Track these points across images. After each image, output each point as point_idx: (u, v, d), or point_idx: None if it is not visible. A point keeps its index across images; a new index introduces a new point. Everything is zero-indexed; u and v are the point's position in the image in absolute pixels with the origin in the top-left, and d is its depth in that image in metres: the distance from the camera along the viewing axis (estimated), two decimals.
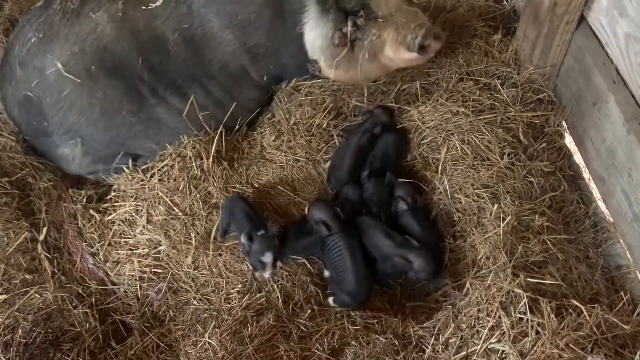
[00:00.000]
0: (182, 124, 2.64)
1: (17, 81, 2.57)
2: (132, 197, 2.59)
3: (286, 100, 2.81)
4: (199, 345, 2.23)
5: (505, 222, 2.28)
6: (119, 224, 2.54)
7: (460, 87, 2.71)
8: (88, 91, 2.52)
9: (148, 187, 2.59)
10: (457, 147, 2.53)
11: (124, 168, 2.66)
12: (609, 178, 2.40)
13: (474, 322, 2.13)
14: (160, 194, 2.54)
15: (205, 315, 2.33)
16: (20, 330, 2.21)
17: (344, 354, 2.20)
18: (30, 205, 2.61)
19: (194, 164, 2.59)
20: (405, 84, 2.81)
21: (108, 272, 2.48)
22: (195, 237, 2.45)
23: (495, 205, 2.35)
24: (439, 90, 2.73)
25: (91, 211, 2.59)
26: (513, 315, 2.04)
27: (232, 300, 2.33)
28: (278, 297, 2.32)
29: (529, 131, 2.61)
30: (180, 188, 2.55)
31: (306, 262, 2.43)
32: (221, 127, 2.70)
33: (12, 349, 2.17)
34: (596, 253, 2.45)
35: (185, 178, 2.57)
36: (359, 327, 2.27)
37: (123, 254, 2.48)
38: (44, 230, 2.51)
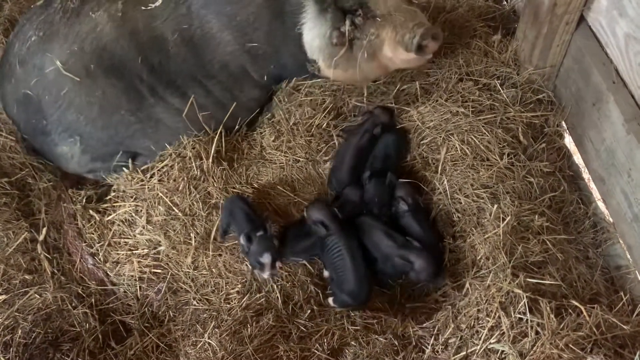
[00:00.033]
0: (182, 124, 2.64)
1: (16, 79, 2.57)
2: (131, 197, 2.60)
3: (286, 100, 2.81)
4: (198, 346, 2.23)
5: (505, 222, 2.28)
6: (118, 225, 2.55)
7: (460, 88, 2.71)
8: (87, 90, 2.52)
9: (148, 188, 2.59)
10: (456, 148, 2.53)
11: (124, 168, 2.66)
12: (608, 178, 2.40)
13: (474, 322, 2.13)
14: (160, 194, 2.54)
15: (204, 315, 2.33)
16: (19, 331, 2.21)
17: (344, 354, 2.21)
18: (29, 206, 2.61)
19: (193, 164, 2.59)
20: (404, 84, 2.81)
21: (108, 272, 2.48)
22: (195, 237, 2.45)
23: (495, 206, 2.35)
24: (438, 90, 2.73)
25: (91, 211, 2.59)
26: (513, 316, 2.04)
27: (232, 301, 2.33)
28: (278, 297, 2.32)
29: (528, 131, 2.61)
30: (180, 188, 2.55)
31: (306, 263, 2.43)
32: (221, 127, 2.70)
33: (11, 349, 2.17)
34: (596, 253, 2.45)
35: (185, 178, 2.57)
36: (358, 328, 2.27)
37: (123, 255, 2.48)
38: (44, 230, 2.51)
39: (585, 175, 2.64)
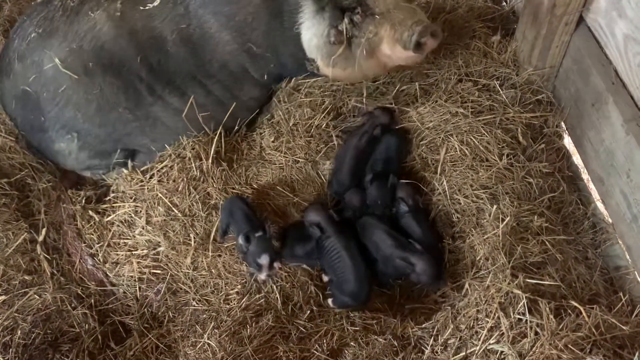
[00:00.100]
0: (181, 123, 2.64)
1: (15, 75, 2.57)
2: (131, 198, 2.60)
3: (286, 101, 2.81)
4: (198, 346, 2.23)
5: (504, 223, 2.29)
6: (118, 225, 2.54)
7: (459, 88, 2.71)
8: (85, 87, 2.52)
9: (147, 188, 2.59)
10: (456, 148, 2.53)
11: (123, 168, 2.66)
12: (607, 179, 2.40)
13: (473, 322, 2.13)
14: (160, 194, 2.54)
15: (204, 316, 2.33)
16: (19, 331, 2.21)
17: (343, 354, 2.21)
18: (29, 206, 2.61)
19: (193, 165, 2.59)
20: (404, 85, 2.81)
21: (107, 273, 2.48)
22: (194, 238, 2.45)
23: (494, 206, 2.35)
24: (438, 91, 2.73)
25: (90, 212, 2.59)
26: (512, 316, 2.04)
27: (231, 301, 2.33)
28: (277, 298, 2.32)
29: (527, 132, 2.61)
30: (180, 189, 2.55)
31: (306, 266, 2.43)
32: (220, 127, 2.70)
33: (11, 350, 2.17)
34: (595, 254, 2.45)
35: (185, 179, 2.57)
36: (358, 328, 2.28)
37: (122, 255, 2.48)
38: (43, 231, 2.51)
39: (585, 175, 2.64)
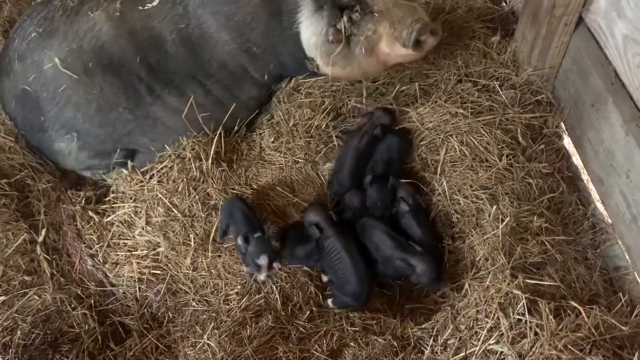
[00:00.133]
0: (180, 123, 2.64)
1: (15, 75, 2.57)
2: (131, 198, 2.60)
3: (285, 101, 2.81)
4: (197, 347, 2.24)
5: (504, 223, 2.29)
6: (117, 226, 2.55)
7: (459, 89, 2.71)
8: (85, 87, 2.52)
9: (147, 189, 2.59)
10: (455, 149, 2.53)
11: (122, 169, 2.66)
12: (607, 179, 2.40)
13: (473, 323, 2.13)
14: (159, 195, 2.54)
15: (204, 316, 2.33)
16: (19, 332, 2.21)
17: (343, 355, 2.21)
18: (29, 207, 2.61)
19: (193, 165, 2.60)
20: (404, 86, 2.81)
21: (107, 273, 2.48)
22: (194, 238, 2.45)
23: (494, 207, 2.35)
24: (437, 91, 2.74)
25: (90, 212, 2.59)
26: (511, 317, 2.04)
27: (231, 302, 2.33)
28: (277, 298, 2.32)
29: (527, 132, 2.61)
30: (179, 189, 2.55)
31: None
32: (220, 128, 2.70)
33: (10, 350, 2.17)
34: (594, 254, 2.46)
35: (184, 179, 2.57)
36: (357, 329, 2.28)
37: (122, 256, 2.48)
38: (43, 231, 2.51)
39: (584, 176, 2.64)
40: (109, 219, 2.57)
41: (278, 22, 2.63)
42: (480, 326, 2.10)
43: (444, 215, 2.50)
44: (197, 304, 2.37)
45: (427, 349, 2.17)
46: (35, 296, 2.32)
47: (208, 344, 2.22)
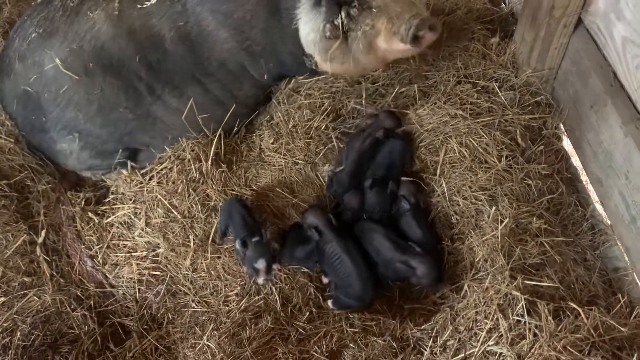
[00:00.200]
0: (181, 122, 2.64)
1: (15, 75, 2.58)
2: (130, 199, 2.60)
3: (285, 102, 2.82)
4: (197, 348, 2.24)
5: (503, 224, 2.29)
6: (117, 227, 2.55)
7: (458, 90, 2.72)
8: (86, 88, 2.53)
9: (147, 190, 2.59)
10: (455, 150, 2.53)
11: (122, 170, 2.66)
12: (606, 180, 2.40)
13: (472, 324, 2.13)
14: (159, 196, 2.55)
15: (203, 317, 2.33)
16: (18, 333, 2.21)
17: (342, 356, 2.21)
18: (28, 208, 2.62)
19: (192, 166, 2.60)
20: (403, 87, 2.82)
21: (106, 274, 2.48)
22: (193, 239, 2.45)
23: (493, 208, 2.35)
24: (437, 93, 2.74)
25: (90, 214, 2.59)
26: (511, 318, 2.04)
27: (231, 303, 2.33)
28: (276, 299, 2.32)
29: (526, 134, 2.61)
30: (179, 191, 2.56)
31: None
32: (220, 129, 2.70)
33: (10, 351, 2.17)
34: (594, 255, 2.46)
35: (184, 181, 2.57)
36: (357, 330, 2.28)
37: (121, 257, 2.49)
38: (43, 232, 2.51)
39: (583, 177, 2.64)
40: (108, 220, 2.57)
41: (277, 19, 2.63)
42: (479, 327, 2.10)
43: (443, 217, 2.50)
44: (196, 305, 2.37)
45: (426, 350, 2.17)
46: (35, 297, 2.32)
47: (208, 345, 2.22)
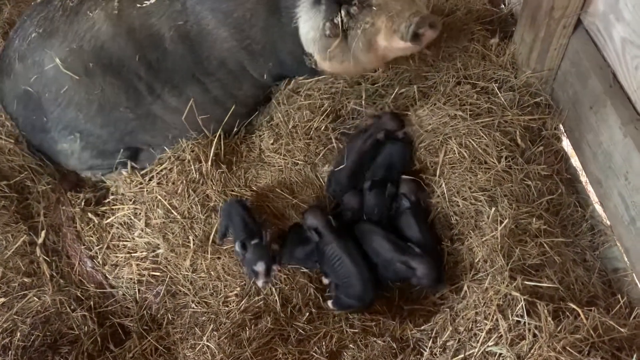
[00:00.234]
0: (181, 121, 2.64)
1: (16, 75, 2.58)
2: (130, 200, 2.60)
3: (285, 103, 2.82)
4: (197, 349, 2.24)
5: (503, 225, 2.29)
6: (117, 227, 2.55)
7: (458, 91, 2.72)
8: (86, 88, 2.53)
9: (146, 191, 2.59)
10: (454, 151, 2.53)
11: (122, 171, 2.66)
12: (605, 181, 2.40)
13: (472, 325, 2.13)
14: (159, 197, 2.55)
15: (203, 318, 2.33)
16: (18, 334, 2.22)
17: (342, 357, 2.21)
18: (28, 209, 2.62)
19: (192, 167, 2.60)
20: (403, 88, 2.82)
21: (106, 275, 2.49)
22: (193, 240, 2.45)
23: (493, 209, 2.35)
24: (436, 93, 2.74)
25: (89, 214, 2.59)
26: (510, 318, 2.05)
27: (231, 304, 2.34)
28: (276, 300, 2.33)
29: (526, 134, 2.61)
30: (179, 191, 2.56)
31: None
32: (220, 130, 2.70)
33: (10, 352, 2.18)
34: (593, 256, 2.46)
35: (184, 181, 2.57)
36: (357, 330, 2.28)
37: (121, 257, 2.49)
38: (43, 233, 2.52)
39: (583, 178, 2.64)
40: (108, 220, 2.57)
41: (277, 18, 2.63)
42: (479, 328, 2.10)
43: (443, 217, 2.50)
44: (196, 305, 2.37)
45: (426, 351, 2.17)
46: (34, 298, 2.32)
47: (207, 346, 2.22)
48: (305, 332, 2.28)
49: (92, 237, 2.54)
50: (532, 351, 1.94)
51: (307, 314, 2.32)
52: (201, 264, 2.42)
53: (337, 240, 2.34)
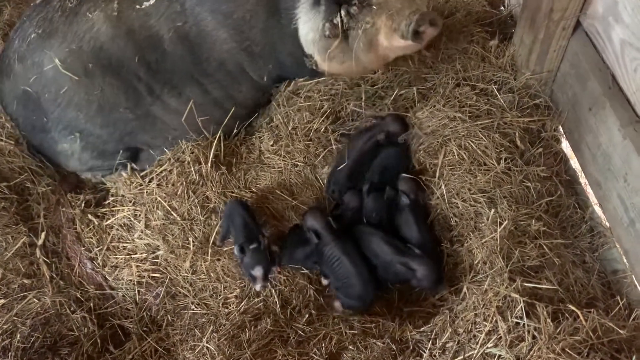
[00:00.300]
0: (180, 124, 2.64)
1: (15, 76, 2.59)
2: (130, 201, 2.60)
3: (285, 104, 2.82)
4: (196, 350, 2.24)
5: (502, 226, 2.29)
6: (117, 229, 2.55)
7: (457, 93, 2.72)
8: (86, 88, 2.54)
9: (146, 192, 2.60)
10: (454, 152, 2.53)
11: (122, 172, 2.67)
12: (605, 183, 2.41)
13: (471, 326, 2.13)
14: (159, 198, 2.55)
15: (203, 319, 2.34)
16: (18, 335, 2.22)
17: (342, 358, 2.21)
18: (28, 210, 2.62)
19: (192, 168, 2.60)
20: (402, 90, 2.82)
21: (106, 276, 2.49)
22: (193, 241, 2.46)
23: (492, 210, 2.35)
24: (436, 95, 2.74)
25: (89, 216, 2.59)
26: (510, 320, 2.05)
27: (230, 305, 2.34)
28: (276, 301, 2.33)
29: (525, 136, 2.61)
30: (179, 193, 2.56)
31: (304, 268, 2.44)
32: (220, 131, 2.70)
33: (10, 353, 2.18)
34: (592, 258, 2.46)
35: (184, 183, 2.58)
36: (356, 332, 2.28)
37: (121, 259, 2.49)
38: (43, 234, 2.52)
39: (582, 179, 2.64)
40: (108, 222, 2.57)
41: (277, 19, 2.63)
42: (478, 329, 2.10)
43: (442, 219, 2.50)
44: (196, 307, 2.37)
45: (425, 352, 2.17)
46: (34, 299, 2.33)
47: (207, 347, 2.22)
48: (304, 334, 2.28)
49: (92, 238, 2.55)
50: (531, 353, 1.94)
51: (307, 315, 2.32)
52: (201, 265, 2.42)
53: (336, 241, 2.34)
